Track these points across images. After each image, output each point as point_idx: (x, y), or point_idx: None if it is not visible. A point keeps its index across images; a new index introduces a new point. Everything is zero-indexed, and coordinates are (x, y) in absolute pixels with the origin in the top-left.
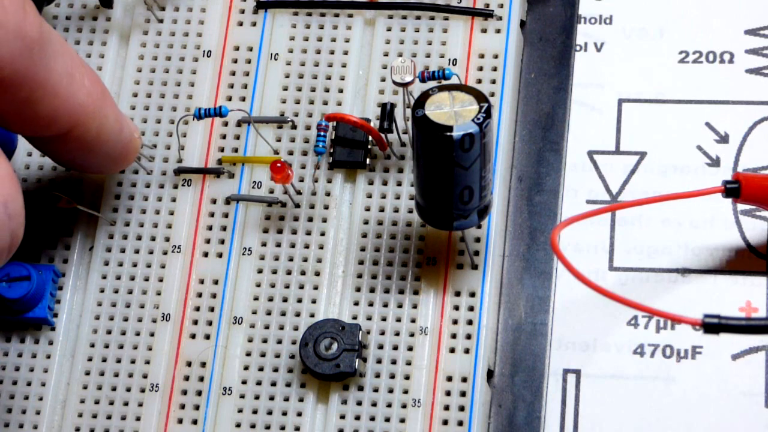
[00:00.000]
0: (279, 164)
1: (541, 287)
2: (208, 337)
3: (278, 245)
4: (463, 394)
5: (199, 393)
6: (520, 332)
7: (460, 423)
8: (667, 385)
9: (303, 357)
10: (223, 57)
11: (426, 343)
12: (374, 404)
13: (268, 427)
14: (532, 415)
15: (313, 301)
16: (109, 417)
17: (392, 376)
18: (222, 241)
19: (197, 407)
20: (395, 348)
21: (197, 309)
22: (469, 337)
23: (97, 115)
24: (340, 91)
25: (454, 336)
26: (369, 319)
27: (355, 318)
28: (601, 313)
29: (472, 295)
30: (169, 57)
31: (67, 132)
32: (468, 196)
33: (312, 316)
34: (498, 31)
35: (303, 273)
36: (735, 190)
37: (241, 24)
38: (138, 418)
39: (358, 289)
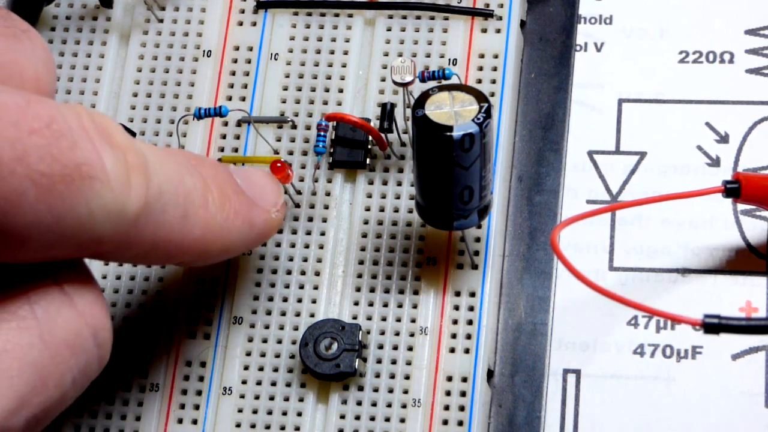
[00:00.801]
0: (279, 164)
1: (541, 287)
2: (208, 337)
3: (278, 245)
4: (463, 394)
5: (199, 393)
6: (520, 332)
7: (460, 423)
8: (667, 385)
9: (303, 357)
10: (223, 57)
11: (426, 343)
12: (374, 404)
13: (268, 427)
14: (532, 415)
15: (313, 301)
16: (109, 417)
17: (392, 376)
18: None
19: (197, 407)
20: (395, 348)
21: (197, 309)
22: (469, 337)
23: (219, 237)
24: (340, 91)
25: (454, 336)
26: (369, 319)
27: (355, 318)
28: (601, 313)
29: (472, 295)
30: (169, 57)
31: (188, 262)
32: (468, 196)
33: (312, 316)
34: (498, 31)
35: (303, 273)
36: (735, 190)
37: (241, 24)
38: (138, 418)
39: (358, 289)
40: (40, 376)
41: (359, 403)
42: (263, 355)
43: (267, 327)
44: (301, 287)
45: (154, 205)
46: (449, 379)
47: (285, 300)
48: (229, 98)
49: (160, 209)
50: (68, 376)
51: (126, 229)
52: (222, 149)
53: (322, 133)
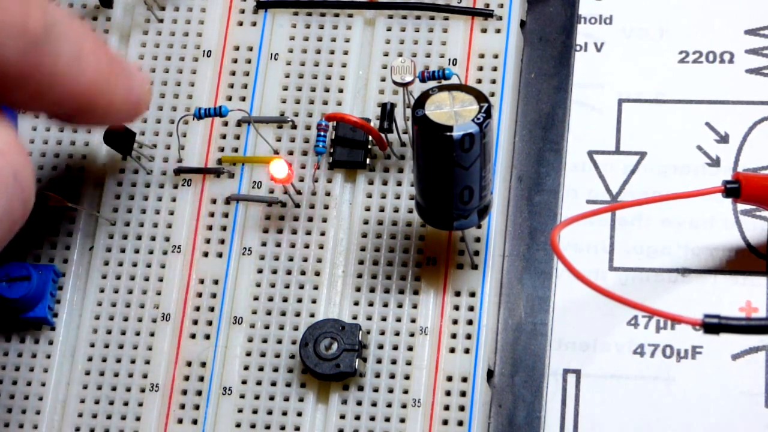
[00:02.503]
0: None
1: (541, 287)
2: (208, 337)
3: (278, 245)
4: (463, 394)
5: (199, 393)
6: (520, 332)
7: (460, 423)
8: (667, 385)
9: (303, 357)
10: (223, 57)
11: (426, 343)
12: (374, 404)
13: (268, 427)
14: (532, 415)
15: (313, 301)
16: (109, 417)
17: (392, 376)
18: (222, 241)
19: (197, 407)
20: (395, 348)
21: (197, 309)
22: (469, 337)
23: (106, 88)
24: (340, 91)
25: (454, 336)
26: (369, 319)
27: (355, 318)
28: (601, 313)
29: (472, 295)
30: (169, 57)
31: (77, 110)
32: (468, 196)
33: (312, 316)
34: (498, 31)
35: (303, 273)
36: (735, 190)
37: (241, 24)
38: (138, 418)
39: (358, 289)
40: None
41: (359, 403)
42: (263, 355)
43: (267, 327)
44: (301, 287)
45: (51, 32)
46: (449, 379)
47: (285, 300)
48: (229, 98)
49: (57, 38)
50: None
51: (27, 51)
52: (222, 149)
53: (322, 133)
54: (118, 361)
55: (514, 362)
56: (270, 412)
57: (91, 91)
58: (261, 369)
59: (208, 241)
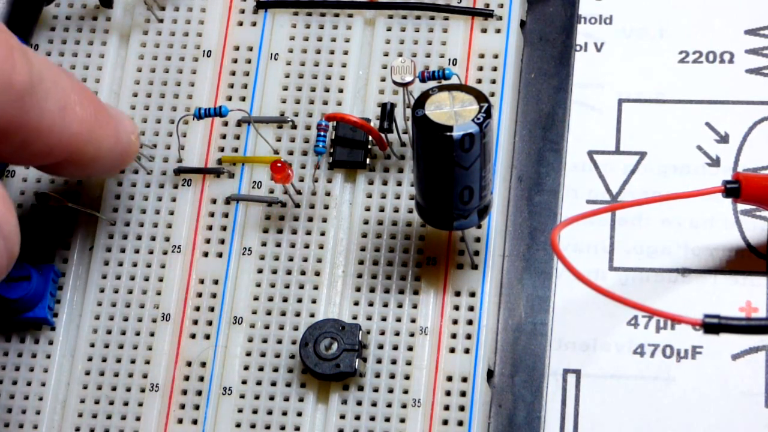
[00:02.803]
0: (279, 164)
1: (541, 287)
2: (208, 337)
3: (278, 245)
4: (463, 394)
5: (199, 393)
6: (520, 332)
7: (460, 423)
8: (667, 385)
9: (303, 357)
10: (223, 57)
11: (426, 343)
12: (374, 404)
13: (268, 427)
14: (532, 415)
15: (313, 301)
16: (109, 417)
17: (392, 376)
18: (222, 241)
19: (197, 407)
20: (395, 348)
21: (197, 309)
22: (469, 337)
23: (91, 139)
24: (340, 91)
25: (454, 336)
26: (369, 319)
27: (355, 318)
28: (601, 313)
29: (472, 295)
30: (169, 57)
31: (62, 160)
32: (468, 196)
33: (312, 316)
34: (498, 31)
35: (303, 273)
36: (735, 190)
37: (241, 24)
38: (138, 418)
39: (358, 289)
40: None
41: (359, 403)
42: (263, 355)
43: (267, 327)
44: (301, 287)
45: (38, 88)
46: (449, 379)
47: (285, 300)
48: (229, 98)
49: (43, 94)
50: None
51: (13, 105)
52: (222, 149)
53: (322, 133)
54: (118, 361)
55: (514, 362)
56: (270, 412)
57: (76, 143)
58: (261, 369)
59: (208, 241)
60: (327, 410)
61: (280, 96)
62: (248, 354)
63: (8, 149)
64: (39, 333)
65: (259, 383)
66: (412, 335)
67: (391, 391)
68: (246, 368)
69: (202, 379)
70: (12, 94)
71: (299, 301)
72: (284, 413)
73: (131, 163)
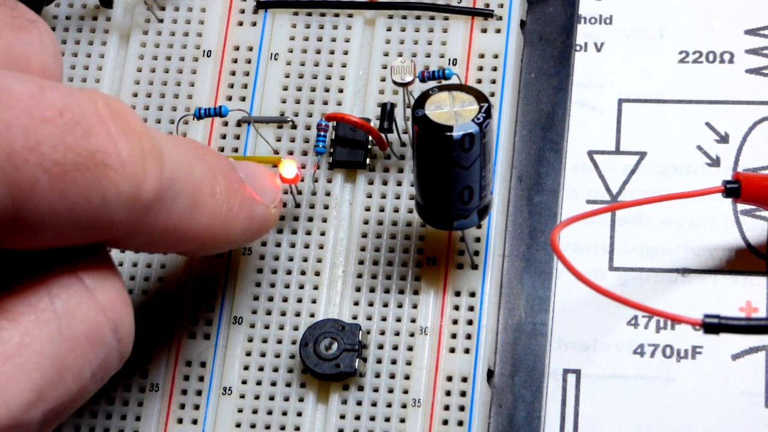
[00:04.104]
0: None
1: (541, 287)
2: (208, 337)
3: (278, 245)
4: (463, 394)
5: (199, 393)
6: (520, 332)
7: (460, 423)
8: (667, 385)
9: (303, 357)
10: (223, 57)
11: (426, 343)
12: (374, 404)
13: (268, 427)
14: (532, 415)
15: (313, 301)
16: (109, 417)
17: (392, 376)
18: None
19: (197, 407)
20: (395, 348)
21: (197, 309)
22: (469, 337)
23: (223, 227)
24: (340, 91)
25: (454, 336)
26: (369, 319)
27: (355, 318)
28: (601, 313)
29: (472, 295)
30: (169, 57)
31: (193, 250)
32: (468, 196)
33: (312, 316)
34: (498, 31)
35: (303, 273)
36: (735, 190)
37: (241, 24)
38: (138, 418)
39: (358, 289)
40: (58, 369)
41: (359, 403)
42: (263, 355)
43: (267, 327)
44: (301, 287)
45: (167, 193)
46: (449, 379)
47: (285, 300)
48: (229, 98)
49: (172, 197)
50: (87, 370)
51: (140, 216)
52: (222, 149)
53: (322, 133)
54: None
55: (514, 362)
56: (270, 412)
57: (206, 234)
58: (261, 369)
59: None
60: (327, 410)
61: (280, 96)
62: (248, 354)
63: (135, 246)
64: None
65: (259, 383)
66: (412, 335)
67: (391, 391)
68: (246, 368)
69: (202, 379)
70: (140, 206)
71: (299, 301)
72: (284, 413)
73: (266, 233)
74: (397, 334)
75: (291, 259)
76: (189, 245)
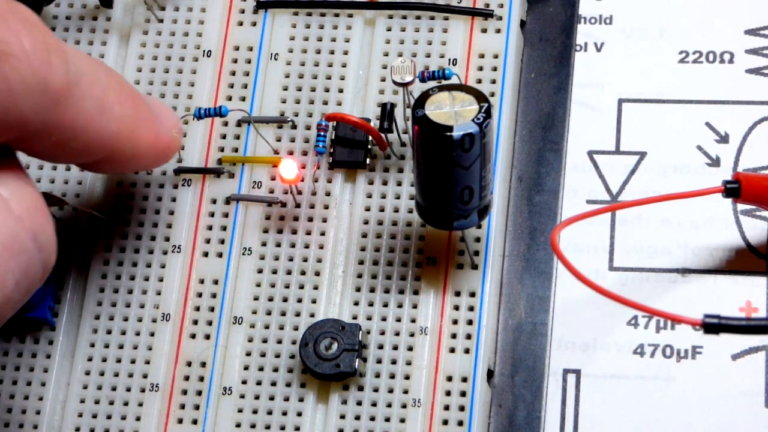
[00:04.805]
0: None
1: (541, 287)
2: (208, 337)
3: (278, 245)
4: (463, 394)
5: (199, 393)
6: (520, 332)
7: (460, 423)
8: (667, 385)
9: (303, 357)
10: (223, 57)
11: (426, 343)
12: (374, 404)
13: (268, 427)
14: (532, 415)
15: (313, 301)
16: (109, 417)
17: (392, 376)
18: (222, 241)
19: (197, 407)
20: (395, 348)
21: (197, 309)
22: (469, 337)
23: (130, 137)
24: (340, 91)
25: (454, 336)
26: (369, 319)
27: (355, 318)
28: (601, 313)
29: (472, 295)
30: (169, 57)
31: (100, 159)
32: (468, 196)
33: (312, 316)
34: (498, 31)
35: (303, 273)
36: (735, 190)
37: (241, 24)
38: (138, 418)
39: (358, 289)
40: None
41: (359, 403)
42: (263, 355)
43: (267, 327)
44: (301, 287)
45: (74, 89)
46: (449, 379)
47: (285, 300)
48: (229, 98)
49: (80, 95)
50: (10, 279)
51: (48, 108)
52: (222, 149)
53: (322, 133)
54: (118, 361)
55: (514, 362)
56: (270, 412)
57: (114, 142)
58: (261, 369)
59: (208, 241)
60: (327, 410)
61: (280, 96)
62: (248, 354)
63: (44, 149)
64: (39, 333)
65: (259, 383)
66: (412, 335)
67: (391, 391)
68: (246, 368)
69: (202, 379)
70: (48, 97)
71: (299, 301)
72: (284, 413)
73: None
74: (397, 334)
75: (291, 259)
76: (97, 152)
